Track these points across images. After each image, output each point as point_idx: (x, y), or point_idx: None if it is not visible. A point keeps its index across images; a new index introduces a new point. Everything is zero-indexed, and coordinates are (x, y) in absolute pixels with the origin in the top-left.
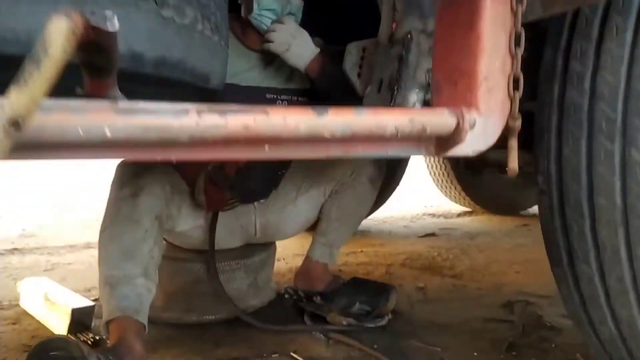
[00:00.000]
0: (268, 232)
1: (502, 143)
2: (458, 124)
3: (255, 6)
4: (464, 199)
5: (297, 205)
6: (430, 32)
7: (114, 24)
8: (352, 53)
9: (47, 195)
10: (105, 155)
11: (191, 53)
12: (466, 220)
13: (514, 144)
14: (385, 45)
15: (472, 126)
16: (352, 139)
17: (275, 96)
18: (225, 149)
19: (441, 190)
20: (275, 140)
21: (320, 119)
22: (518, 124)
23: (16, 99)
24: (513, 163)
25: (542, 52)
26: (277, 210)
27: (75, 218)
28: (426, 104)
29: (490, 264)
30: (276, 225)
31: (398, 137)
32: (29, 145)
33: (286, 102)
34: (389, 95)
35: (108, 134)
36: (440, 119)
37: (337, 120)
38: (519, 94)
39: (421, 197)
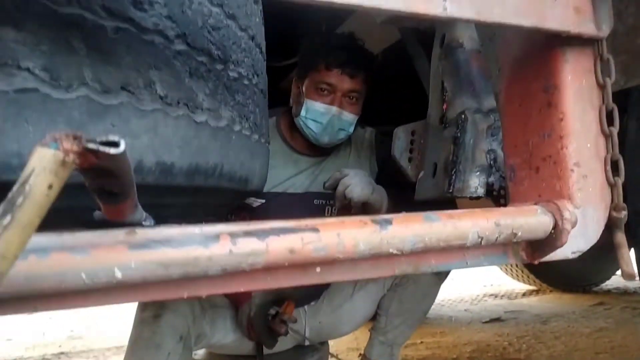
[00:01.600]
0: (321, 334)
1: None
2: (556, 225)
3: (303, 112)
4: (528, 276)
5: (353, 302)
6: (486, 110)
7: (118, 146)
8: (401, 138)
9: None
10: (117, 300)
11: (228, 157)
12: (533, 300)
13: (622, 240)
14: (436, 126)
15: (574, 225)
16: (424, 251)
17: (324, 202)
18: (266, 278)
19: (501, 268)
20: (330, 261)
21: (383, 233)
22: (624, 215)
23: None
24: (627, 266)
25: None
26: (331, 310)
27: (124, 318)
28: (489, 187)
29: (571, 354)
30: (330, 327)
31: (481, 245)
32: (11, 299)
33: (335, 208)
34: (446, 179)
35: (119, 276)
36: (533, 220)
37: (403, 232)
38: (620, 180)
39: (479, 276)
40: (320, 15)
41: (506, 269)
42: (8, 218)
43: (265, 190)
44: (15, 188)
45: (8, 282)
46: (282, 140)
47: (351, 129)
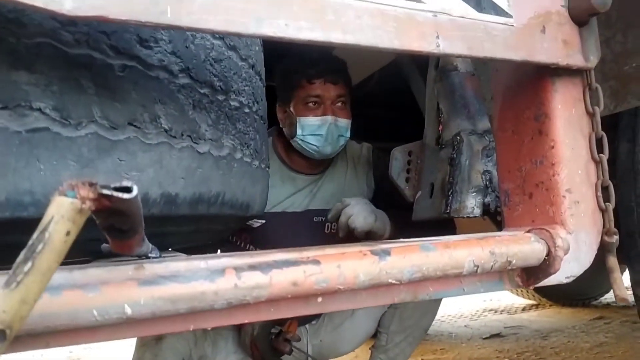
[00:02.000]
0: (323, 353)
1: None
2: (549, 252)
3: (299, 131)
4: (527, 291)
5: (354, 320)
6: (481, 132)
7: (131, 192)
8: (398, 158)
9: None
10: (126, 335)
11: (230, 184)
12: (533, 315)
13: (614, 264)
14: (432, 147)
15: (567, 251)
16: (421, 280)
17: (322, 219)
18: (270, 309)
19: None
20: (331, 292)
21: (382, 264)
22: (615, 239)
23: (3, 302)
24: (620, 290)
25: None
26: (333, 328)
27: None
28: (485, 207)
29: None
30: (331, 345)
31: (477, 273)
32: (24, 336)
33: (335, 224)
34: (443, 200)
35: (129, 312)
36: (526, 248)
37: (401, 262)
38: (611, 205)
39: None
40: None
41: None
42: (29, 265)
43: (265, 210)
44: (35, 235)
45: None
46: (280, 160)
47: (348, 133)
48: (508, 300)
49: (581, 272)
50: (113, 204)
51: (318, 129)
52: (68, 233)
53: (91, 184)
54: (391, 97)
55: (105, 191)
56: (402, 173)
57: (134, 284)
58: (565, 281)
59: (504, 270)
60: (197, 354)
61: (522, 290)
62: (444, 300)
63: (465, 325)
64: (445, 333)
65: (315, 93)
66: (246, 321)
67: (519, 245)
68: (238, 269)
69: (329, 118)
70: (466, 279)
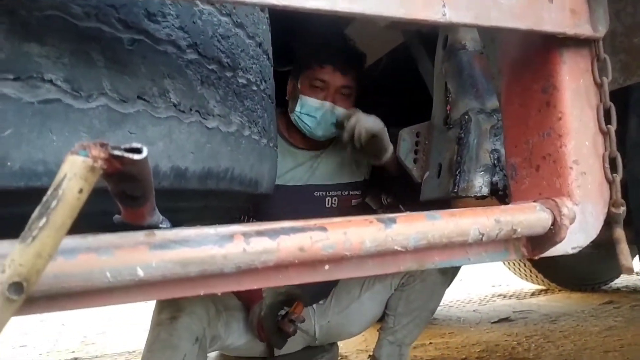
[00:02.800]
0: (330, 334)
1: None
2: (555, 221)
3: (298, 107)
4: (536, 276)
5: (361, 302)
6: (489, 111)
7: (141, 153)
8: (406, 139)
9: None
10: (138, 298)
11: (239, 161)
12: (542, 300)
13: (621, 235)
14: (440, 128)
15: (572, 221)
16: (427, 248)
17: (323, 193)
18: (278, 275)
19: (509, 268)
20: (337, 259)
21: (388, 230)
22: (622, 210)
23: (20, 255)
24: (626, 260)
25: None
26: (339, 310)
27: (135, 325)
28: (493, 186)
29: (580, 353)
30: (339, 327)
31: (482, 242)
32: (42, 297)
33: (336, 199)
34: (451, 180)
35: (141, 274)
36: (532, 217)
37: (407, 230)
38: (618, 177)
39: (487, 276)
40: (324, 21)
41: (514, 269)
42: (44, 220)
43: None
44: (49, 192)
45: (40, 282)
46: (280, 136)
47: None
48: (517, 285)
49: (588, 242)
50: (124, 166)
51: (314, 111)
52: (81, 190)
53: (102, 145)
54: (400, 81)
55: (116, 152)
56: (410, 154)
57: (146, 248)
58: (571, 252)
59: (509, 239)
60: (211, 333)
61: (531, 275)
62: (452, 286)
63: (474, 310)
64: (454, 318)
65: (322, 77)
66: (255, 287)
67: (525, 214)
68: (246, 235)
69: (327, 104)
70: (472, 248)
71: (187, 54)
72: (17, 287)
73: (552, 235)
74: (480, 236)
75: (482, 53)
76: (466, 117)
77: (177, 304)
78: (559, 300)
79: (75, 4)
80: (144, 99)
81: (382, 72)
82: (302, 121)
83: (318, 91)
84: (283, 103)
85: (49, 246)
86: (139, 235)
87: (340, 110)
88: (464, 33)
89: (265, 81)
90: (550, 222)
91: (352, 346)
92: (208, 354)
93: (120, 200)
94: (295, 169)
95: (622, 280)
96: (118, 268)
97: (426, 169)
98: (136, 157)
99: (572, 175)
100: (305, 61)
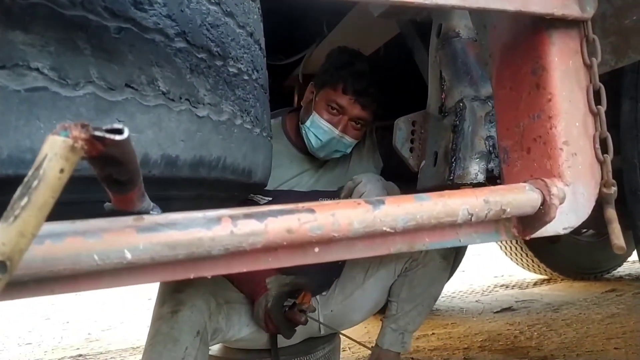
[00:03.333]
0: (334, 323)
1: None
2: (544, 200)
3: (308, 122)
4: (539, 266)
5: (365, 289)
6: (484, 98)
7: (122, 133)
8: (402, 128)
9: (112, 297)
10: (128, 282)
11: (231, 149)
12: (544, 289)
13: (612, 215)
14: (436, 116)
15: (562, 200)
16: (417, 229)
17: (329, 199)
18: (267, 257)
19: (511, 258)
20: (326, 240)
21: (376, 212)
22: (614, 191)
23: (2, 234)
24: (618, 239)
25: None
26: (343, 298)
27: (139, 322)
28: (489, 172)
29: (583, 340)
30: (342, 315)
31: (472, 222)
32: (30, 282)
33: None
34: (447, 167)
35: (128, 256)
36: (521, 197)
37: (396, 211)
38: (609, 157)
39: (489, 266)
40: (320, 12)
41: (517, 259)
42: (25, 199)
43: (271, 188)
44: (30, 172)
45: (27, 265)
46: (288, 140)
47: (348, 150)
48: (520, 275)
49: (579, 223)
50: (106, 147)
51: (322, 133)
52: (62, 170)
53: (83, 125)
54: (397, 71)
55: (97, 132)
56: (406, 143)
57: (133, 231)
58: (562, 232)
59: (499, 219)
60: (212, 327)
61: (533, 265)
62: (454, 277)
63: (476, 301)
64: (457, 308)
65: (341, 103)
66: (244, 269)
67: (513, 194)
68: (234, 218)
69: (337, 132)
70: (462, 229)
71: (176, 42)
72: (0, 266)
73: (542, 215)
74: (470, 216)
75: (475, 40)
76: (461, 104)
77: (178, 298)
78: (562, 290)
79: None
80: (132, 87)
81: (380, 63)
82: (308, 137)
83: (333, 113)
84: (290, 102)
85: (31, 225)
86: (128, 220)
87: (349, 140)
88: (458, 21)
89: (257, 71)
90: (539, 202)
91: (354, 336)
92: (210, 347)
93: (108, 185)
94: (302, 175)
95: (624, 269)
96: (106, 251)
97: (423, 157)
98: (117, 137)
99: (562, 156)
100: (331, 78)
